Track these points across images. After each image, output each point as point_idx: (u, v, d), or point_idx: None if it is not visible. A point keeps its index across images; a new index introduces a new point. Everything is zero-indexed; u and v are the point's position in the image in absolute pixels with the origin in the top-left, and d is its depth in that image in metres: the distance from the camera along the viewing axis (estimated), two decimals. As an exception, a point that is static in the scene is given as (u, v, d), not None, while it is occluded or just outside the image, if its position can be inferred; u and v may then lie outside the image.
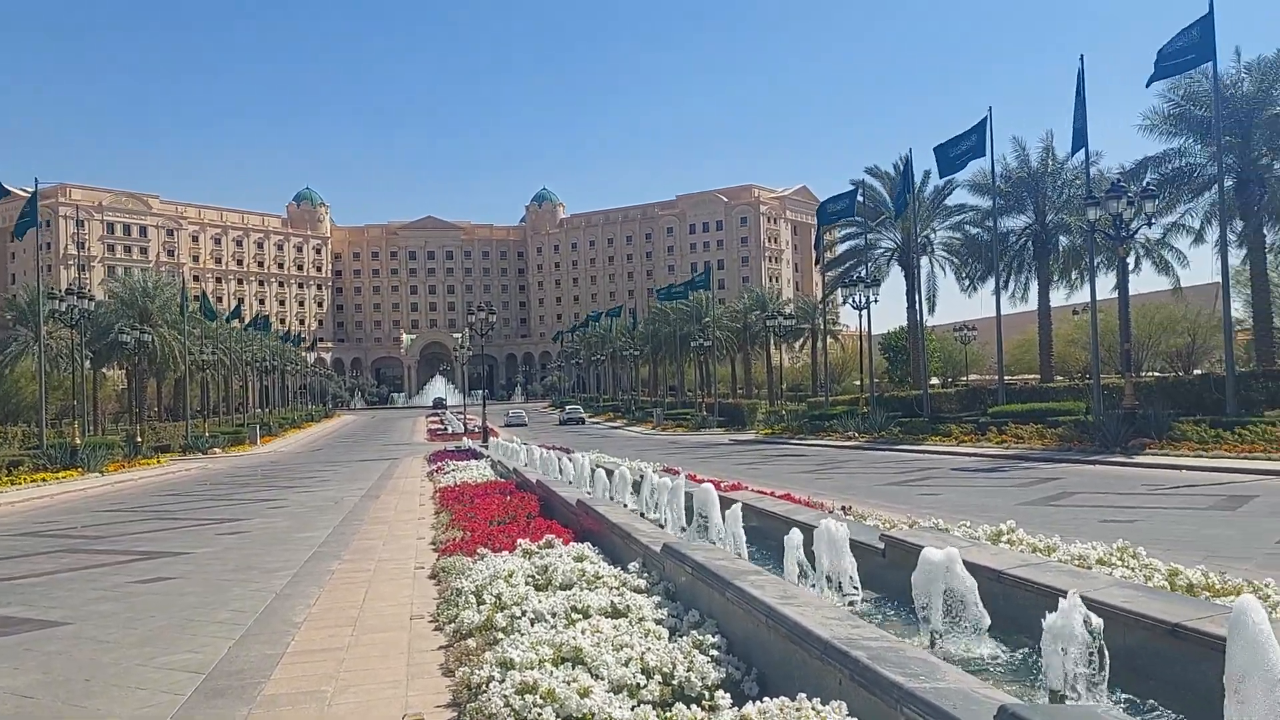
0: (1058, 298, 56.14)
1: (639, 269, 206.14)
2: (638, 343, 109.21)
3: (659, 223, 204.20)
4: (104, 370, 78.83)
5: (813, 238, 72.47)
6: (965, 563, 7.27)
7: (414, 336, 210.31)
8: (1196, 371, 55.99)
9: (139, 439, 53.82)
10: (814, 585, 8.95)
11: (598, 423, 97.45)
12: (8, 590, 13.81)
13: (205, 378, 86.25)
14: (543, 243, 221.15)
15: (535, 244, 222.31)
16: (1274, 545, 13.11)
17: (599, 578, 9.67)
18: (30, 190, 46.08)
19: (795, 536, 9.03)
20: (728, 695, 5.89)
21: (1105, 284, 58.77)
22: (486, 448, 43.03)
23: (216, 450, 61.28)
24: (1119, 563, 9.04)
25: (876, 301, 53.17)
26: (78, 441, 42.82)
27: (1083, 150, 38.19)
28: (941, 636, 7.17)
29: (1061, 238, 53.12)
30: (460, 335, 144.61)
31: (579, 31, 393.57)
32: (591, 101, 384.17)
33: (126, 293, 77.37)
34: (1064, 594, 5.67)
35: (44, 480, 36.40)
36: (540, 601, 8.75)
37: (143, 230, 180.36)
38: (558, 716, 5.71)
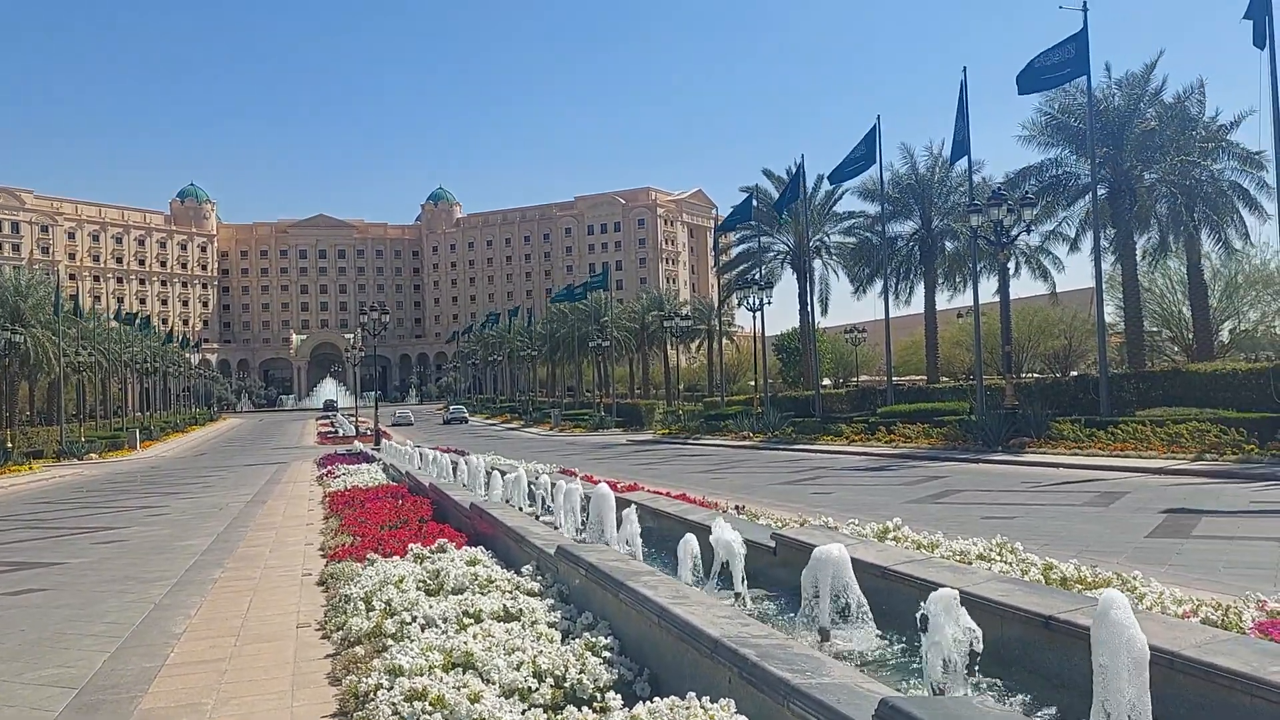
0: (943, 301, 58.09)
1: (537, 269, 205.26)
2: (535, 343, 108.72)
3: (557, 223, 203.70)
4: (-31, 372, 74.55)
5: (709, 240, 73.30)
6: (853, 559, 7.44)
7: (304, 337, 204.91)
8: (1073, 373, 58.54)
9: (9, 444, 51.10)
10: (707, 585, 9.05)
11: (494, 424, 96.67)
12: None
13: (81, 380, 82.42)
14: (438, 242, 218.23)
15: (431, 243, 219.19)
16: (1143, 539, 13.79)
17: (492, 581, 9.58)
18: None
19: (689, 538, 9.12)
20: (619, 696, 5.91)
21: (988, 288, 60.84)
22: (379, 450, 42.21)
23: (93, 456, 58.63)
24: (998, 558, 9.37)
25: (770, 303, 54.21)
26: (-61, 448, 40.41)
27: (965, 158, 39.63)
28: (829, 632, 7.32)
29: (947, 242, 54.90)
30: (352, 336, 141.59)
31: (478, 29, 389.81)
32: (491, 101, 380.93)
33: (-5, 291, 73.36)
34: (944, 588, 5.86)
35: (-100, 489, 34.24)
36: (431, 607, 8.62)
37: (15, 226, 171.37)
38: (447, 723, 5.64)
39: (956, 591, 5.71)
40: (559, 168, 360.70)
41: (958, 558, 9.44)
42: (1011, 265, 47.63)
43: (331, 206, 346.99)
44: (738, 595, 8.87)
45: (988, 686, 6.00)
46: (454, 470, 24.62)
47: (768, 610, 8.87)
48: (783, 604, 9.05)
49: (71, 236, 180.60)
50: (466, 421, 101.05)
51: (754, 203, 59.02)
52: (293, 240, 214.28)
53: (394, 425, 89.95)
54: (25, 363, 67.69)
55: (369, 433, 65.75)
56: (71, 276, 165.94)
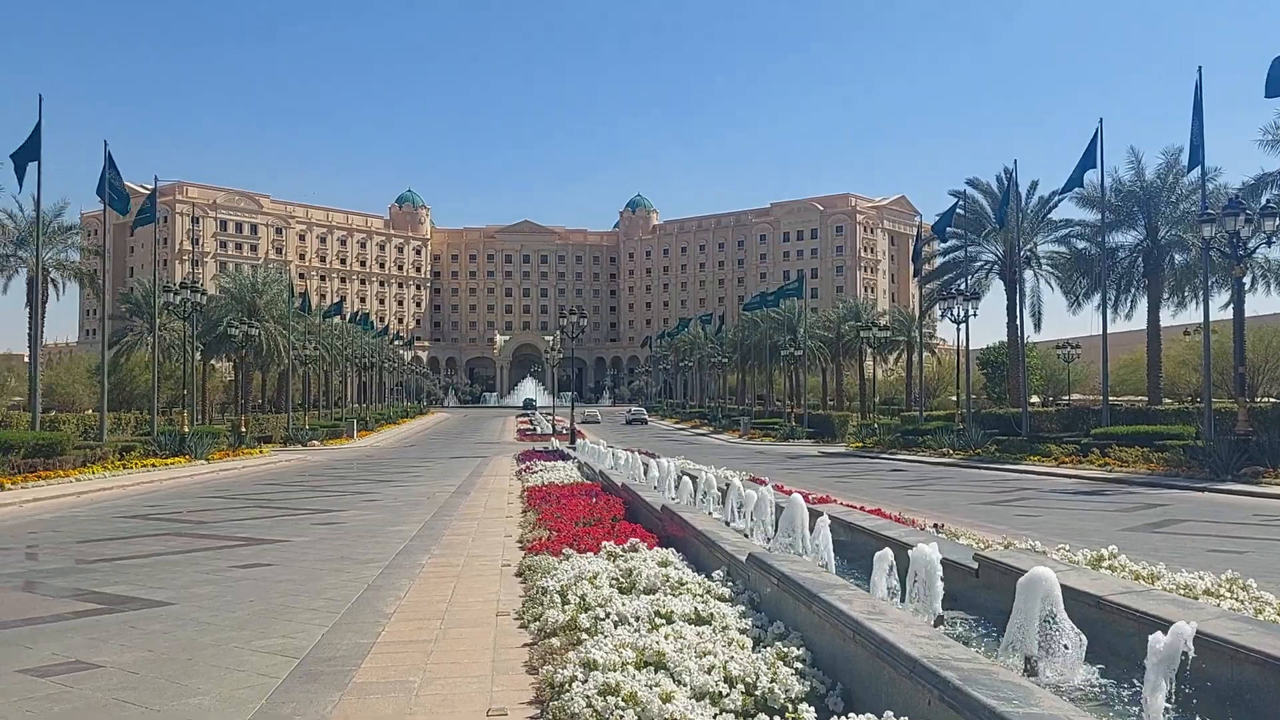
0: (1167, 317, 54.07)
1: (730, 276, 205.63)
2: (726, 350, 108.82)
3: (752, 230, 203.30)
4: (213, 362, 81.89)
5: (910, 249, 71.19)
6: (1063, 586, 7.03)
7: (507, 338, 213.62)
8: (1317, 398, 53.23)
9: (243, 429, 55.77)
10: (903, 602, 8.77)
11: (683, 429, 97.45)
12: (118, 570, 14.44)
13: (307, 372, 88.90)
14: (635, 248, 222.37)
15: (627, 249, 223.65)
16: (1399, 584, 12.34)
17: (683, 584, 9.64)
18: (150, 187, 48.27)
19: (885, 553, 8.87)
20: (811, 709, 5.81)
21: (1217, 302, 56.24)
22: (574, 449, 43.37)
23: (315, 443, 63.13)
24: (1228, 594, 8.64)
25: (975, 315, 51.88)
26: (186, 430, 44.61)
27: (1199, 165, 36.70)
28: (1036, 661, 6.95)
29: (1175, 254, 51.09)
30: (551, 338, 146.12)
31: (677, 38, 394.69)
32: (688, 108, 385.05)
33: (236, 288, 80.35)
34: (1168, 624, 5.44)
35: (154, 465, 37.98)
36: (624, 605, 8.76)
37: (253, 228, 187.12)
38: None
39: (1193, 627, 5.27)
40: (756, 174, 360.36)
41: (1182, 591, 8.76)
42: (1247, 280, 43.79)
43: (535, 213, 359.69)
44: (937, 616, 8.55)
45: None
46: (645, 472, 24.98)
47: (967, 634, 8.52)
48: (983, 629, 8.67)
49: (302, 238, 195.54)
50: (646, 423, 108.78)
51: (960, 210, 56.86)
52: (499, 245, 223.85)
53: (583, 424, 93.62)
54: (259, 354, 73.79)
55: (565, 431, 67.70)
56: (300, 275, 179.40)
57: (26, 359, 70.88)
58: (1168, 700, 5.19)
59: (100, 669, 8.45)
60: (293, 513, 23.17)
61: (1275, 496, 24.64)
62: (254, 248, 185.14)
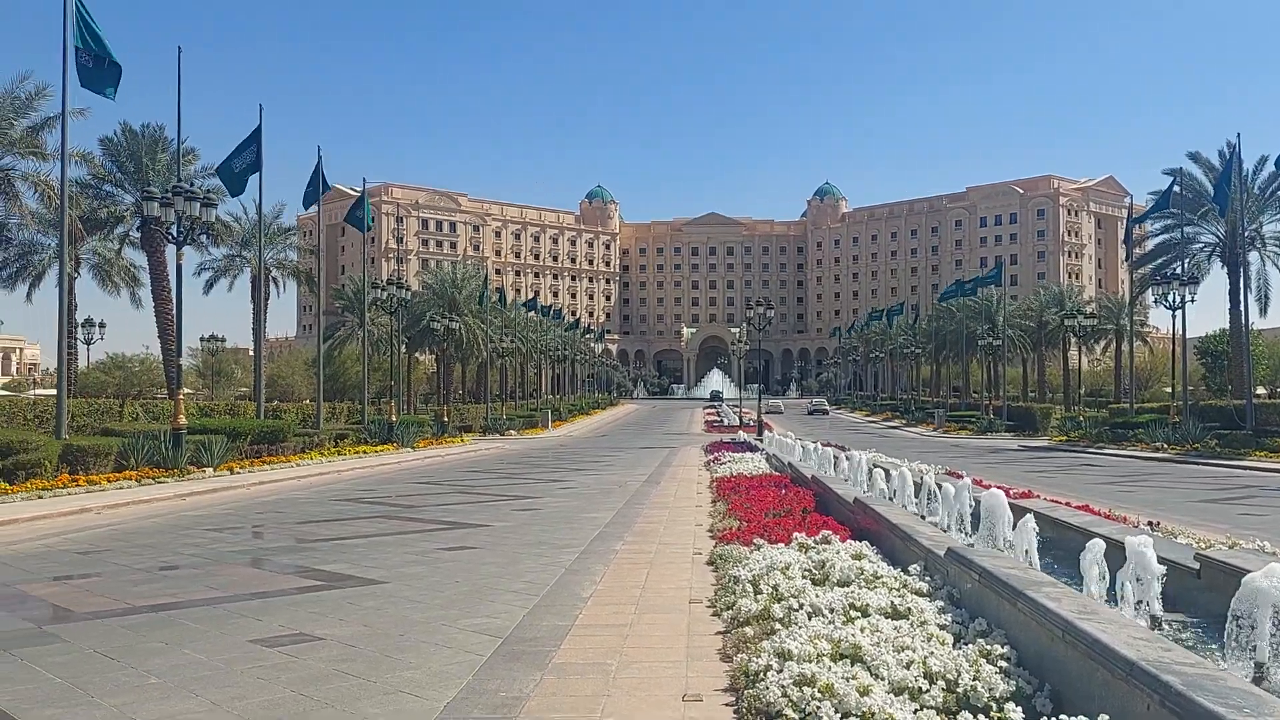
0: None
1: (923, 264, 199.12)
2: (919, 340, 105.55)
3: (946, 216, 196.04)
4: (417, 355, 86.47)
5: (1119, 232, 66.78)
6: (1301, 592, 6.46)
7: (694, 330, 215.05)
8: None
9: (445, 419, 58.68)
10: (1114, 602, 8.30)
11: (874, 422, 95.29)
12: (335, 549, 15.52)
13: (504, 364, 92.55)
14: (823, 237, 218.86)
15: (815, 239, 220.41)
16: None
17: (878, 577, 9.46)
18: (358, 190, 51.49)
19: (1096, 546, 8.42)
20: (1019, 709, 5.60)
21: None
22: (761, 441, 43.23)
23: (512, 432, 65.67)
24: None
25: (1193, 301, 48.22)
26: (394, 419, 47.36)
27: None
28: (1268, 669, 6.43)
29: None
30: (738, 330, 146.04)
31: (863, 21, 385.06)
32: (878, 92, 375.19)
33: (437, 284, 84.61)
34: None
35: (365, 452, 40.55)
36: (817, 596, 8.69)
37: (452, 226, 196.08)
38: (836, 712, 5.66)
39: None
40: (950, 159, 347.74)
41: None
42: None
43: (721, 205, 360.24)
44: (1154, 618, 8.05)
45: None
46: (835, 464, 24.61)
47: (1187, 638, 7.97)
48: (1205, 633, 8.10)
49: (497, 235, 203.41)
50: (827, 414, 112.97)
51: (1176, 188, 52.89)
52: (686, 238, 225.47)
53: (766, 414, 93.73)
54: (459, 347, 77.41)
55: (752, 423, 67.56)
56: (496, 271, 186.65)
57: (251, 352, 77.01)
58: None
59: (322, 641, 9.11)
60: (493, 499, 24.22)
61: None
62: (453, 245, 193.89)
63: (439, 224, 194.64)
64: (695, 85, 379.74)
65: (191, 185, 32.84)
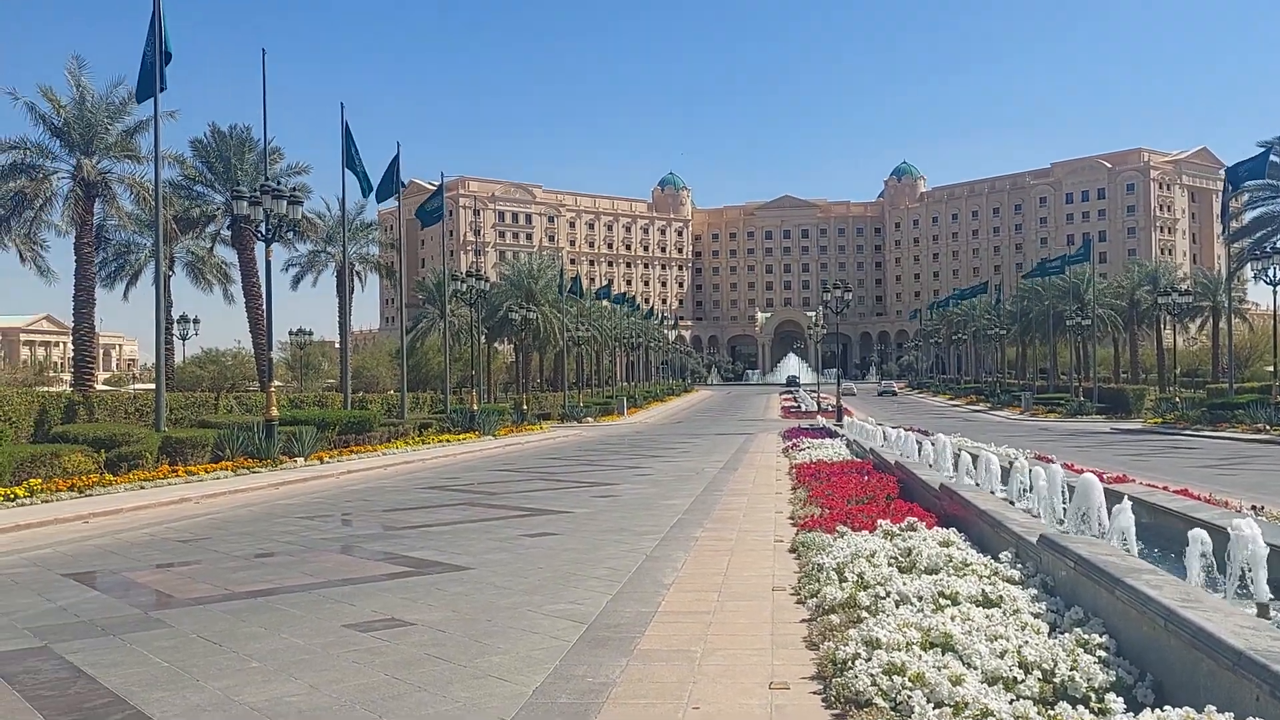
0: None
1: (1006, 243, 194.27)
2: (1003, 321, 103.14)
3: (1030, 193, 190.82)
4: (495, 344, 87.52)
5: (1215, 206, 64.26)
6: None
7: (769, 315, 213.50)
8: None
9: (524, 407, 59.37)
10: (1219, 591, 8.01)
11: (958, 405, 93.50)
12: (422, 536, 15.81)
13: (580, 352, 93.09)
14: (901, 218, 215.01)
15: (893, 219, 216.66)
16: None
17: (967, 564, 9.29)
18: (436, 183, 52.24)
19: (1199, 533, 8.13)
20: (1120, 700, 5.44)
21: None
22: (841, 426, 42.77)
23: (589, 419, 66.12)
24: None
25: (1295, 275, 46.22)
26: (475, 408, 48.07)
27: None
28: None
29: None
30: (814, 314, 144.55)
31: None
32: (956, 67, 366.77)
33: (514, 275, 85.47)
34: None
35: (448, 441, 41.22)
36: (905, 584, 8.57)
37: (528, 217, 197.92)
38: (929, 702, 5.57)
39: None
40: (1033, 133, 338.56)
41: None
42: None
43: (795, 187, 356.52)
44: (1261, 606, 7.74)
45: None
46: (919, 450, 24.20)
47: (1299, 629, 7.64)
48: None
49: (571, 225, 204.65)
50: (895, 394, 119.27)
51: (1274, 158, 50.61)
52: (759, 222, 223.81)
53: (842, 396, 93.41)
54: (536, 336, 78.13)
55: (831, 409, 66.84)
56: (571, 261, 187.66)
57: (337, 345, 78.82)
58: None
59: (413, 626, 9.29)
60: (573, 485, 24.41)
61: None
62: (529, 236, 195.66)
63: (515, 216, 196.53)
64: (765, 68, 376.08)
65: (278, 183, 33.75)
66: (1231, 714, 4.67)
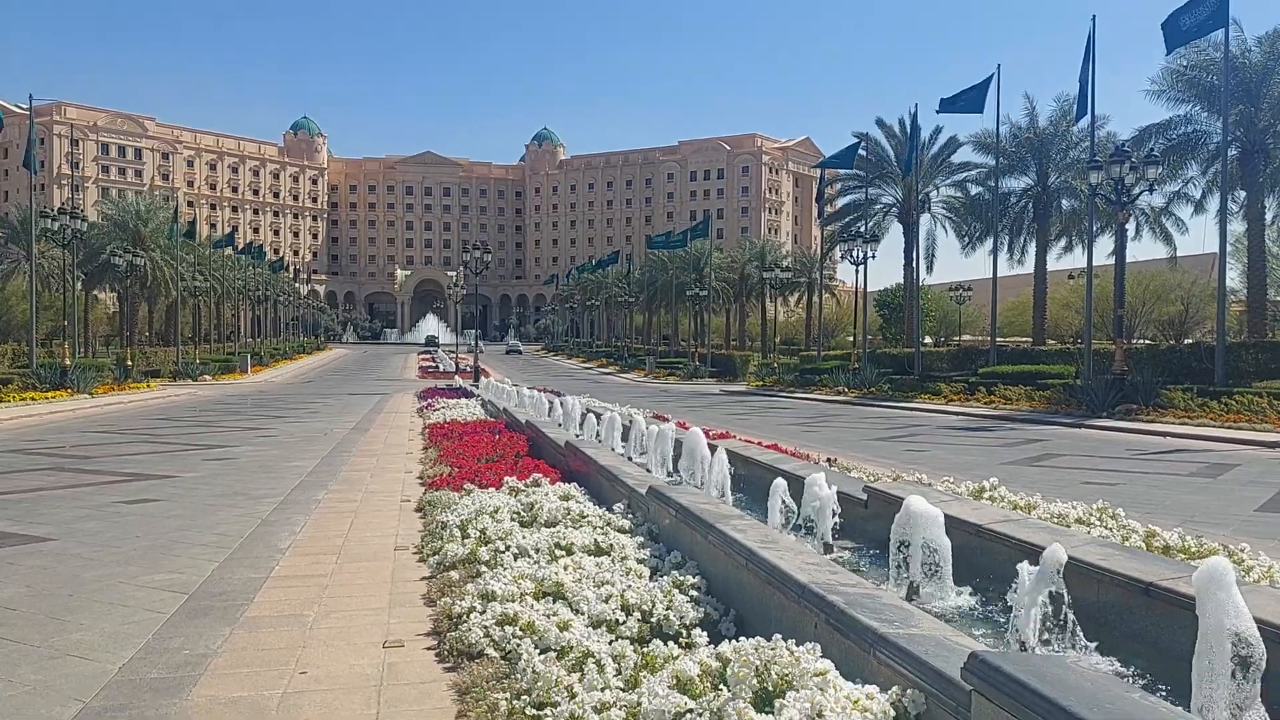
0: (1054, 260, 56.22)
1: (638, 214, 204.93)
2: (633, 290, 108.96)
3: (660, 168, 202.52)
4: (95, 293, 78.48)
5: (814, 190, 72.01)
6: (946, 516, 7.34)
7: (408, 273, 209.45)
8: (1188, 341, 56.10)
9: (129, 363, 53.72)
10: (796, 533, 9.04)
11: (590, 368, 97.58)
12: (-5, 505, 13.86)
13: (197, 304, 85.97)
14: (541, 183, 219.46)
15: (534, 184, 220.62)
16: (1252, 513, 13.26)
17: (584, 517, 9.75)
18: (24, 107, 45.48)
19: (779, 483, 9.11)
20: (705, 634, 5.97)
21: (1102, 249, 58.74)
22: (478, 387, 43.08)
23: (206, 377, 61.25)
24: (1098, 523, 9.15)
25: (874, 258, 53.07)
26: (68, 362, 42.71)
27: (1088, 113, 37.92)
28: (919, 587, 7.26)
29: (1063, 200, 52.96)
30: (455, 274, 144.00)
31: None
32: (596, 41, 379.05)
33: (119, 215, 76.83)
34: (1041, 549, 5.74)
35: (33, 399, 36.38)
36: (525, 537, 8.82)
37: (137, 153, 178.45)
38: (536, 648, 5.78)
39: (1064, 552, 5.55)
40: (664, 111, 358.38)
41: (1055, 520, 9.24)
42: (1131, 226, 45.66)
43: (438, 144, 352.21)
44: (827, 545, 8.84)
45: (1081, 649, 5.88)
46: (549, 409, 25.00)
47: (856, 562, 8.83)
48: (871, 557, 9.01)
49: (190, 164, 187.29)
50: (521, 353, 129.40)
51: (862, 151, 57.55)
52: (399, 176, 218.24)
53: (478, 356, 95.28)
54: (145, 285, 71.05)
55: (469, 369, 67.08)
56: (189, 204, 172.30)
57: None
58: (1046, 620, 5.50)
59: (-27, 608, 8.15)
60: (183, 448, 22.53)
61: (1146, 433, 26.03)
62: (139, 173, 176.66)
63: (122, 150, 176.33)
64: (411, 16, 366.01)
65: None
66: (794, 640, 5.27)
